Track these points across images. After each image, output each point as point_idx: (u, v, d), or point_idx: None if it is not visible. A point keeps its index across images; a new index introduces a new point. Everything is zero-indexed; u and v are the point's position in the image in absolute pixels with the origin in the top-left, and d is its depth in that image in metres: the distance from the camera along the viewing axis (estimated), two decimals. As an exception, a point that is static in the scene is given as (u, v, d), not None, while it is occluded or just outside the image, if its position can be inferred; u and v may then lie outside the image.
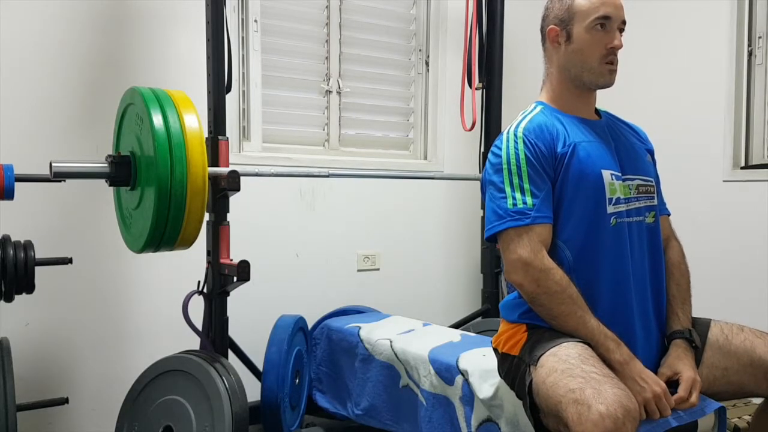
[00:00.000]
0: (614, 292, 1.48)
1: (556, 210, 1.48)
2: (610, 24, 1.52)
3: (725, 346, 1.52)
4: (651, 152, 1.68)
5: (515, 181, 1.47)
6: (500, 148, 1.51)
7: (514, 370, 1.51)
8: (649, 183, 1.58)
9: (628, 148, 1.59)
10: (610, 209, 1.48)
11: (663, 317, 1.57)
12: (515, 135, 1.50)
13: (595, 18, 1.51)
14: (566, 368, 1.30)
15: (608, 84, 1.55)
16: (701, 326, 1.57)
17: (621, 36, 1.54)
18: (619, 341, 1.41)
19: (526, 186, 1.46)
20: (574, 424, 1.22)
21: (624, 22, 1.56)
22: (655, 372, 1.48)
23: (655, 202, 1.59)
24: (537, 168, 1.47)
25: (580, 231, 1.47)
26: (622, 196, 1.50)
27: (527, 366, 1.44)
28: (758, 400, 1.63)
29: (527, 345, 1.48)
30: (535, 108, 1.58)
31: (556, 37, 1.57)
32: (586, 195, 1.47)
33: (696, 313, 1.67)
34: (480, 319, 2.86)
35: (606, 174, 1.49)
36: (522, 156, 1.48)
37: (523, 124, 1.52)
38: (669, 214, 1.71)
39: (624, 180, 1.52)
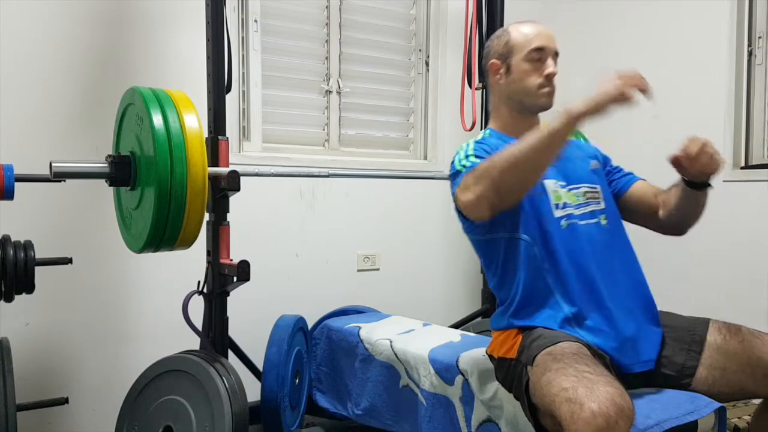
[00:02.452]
0: (581, 281, 1.57)
1: (514, 208, 1.59)
2: (544, 54, 1.67)
3: (723, 347, 1.54)
4: (597, 157, 1.80)
5: (465, 162, 1.62)
6: (454, 158, 1.67)
7: (512, 372, 1.52)
8: (595, 190, 1.69)
9: (571, 161, 1.70)
10: (558, 213, 1.62)
11: (644, 301, 1.64)
12: (467, 145, 1.67)
13: (530, 50, 1.66)
14: (560, 367, 1.32)
15: (548, 106, 1.70)
16: (700, 326, 1.59)
17: (556, 64, 1.69)
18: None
19: (474, 159, 1.61)
20: (567, 423, 1.22)
21: (557, 53, 1.70)
22: (657, 362, 1.55)
23: (603, 206, 1.68)
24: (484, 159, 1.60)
25: (536, 228, 1.59)
26: (570, 202, 1.63)
27: (524, 366, 1.45)
28: (759, 401, 1.63)
29: (523, 346, 1.50)
30: (485, 133, 1.76)
31: (497, 70, 1.72)
32: (532, 198, 1.60)
33: (696, 312, 1.68)
34: (480, 319, 2.86)
35: (549, 183, 1.63)
36: (471, 153, 1.64)
37: (474, 143, 1.68)
38: (642, 179, 1.82)
39: (570, 189, 1.65)
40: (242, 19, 2.67)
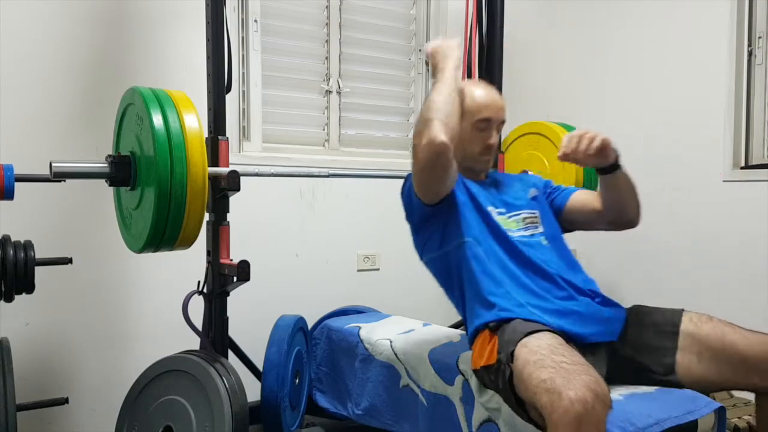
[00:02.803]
0: (526, 274, 1.72)
1: (457, 216, 1.75)
2: (489, 125, 1.81)
3: (695, 333, 1.61)
4: (537, 186, 1.95)
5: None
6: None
7: (496, 375, 1.56)
8: (534, 215, 1.85)
9: (509, 193, 1.89)
10: (511, 235, 1.77)
11: (587, 287, 1.76)
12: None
13: (477, 119, 1.79)
14: (537, 359, 1.39)
15: (485, 170, 1.89)
16: (674, 315, 1.67)
17: (498, 133, 1.86)
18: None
19: None
20: (548, 413, 1.28)
21: (503, 122, 1.85)
22: (635, 348, 1.65)
23: (541, 229, 1.83)
24: None
25: (478, 229, 1.75)
26: (509, 228, 1.78)
27: (505, 365, 1.50)
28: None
29: (501, 345, 1.55)
30: None
31: None
32: (477, 220, 1.76)
33: (695, 310, 1.70)
34: (480, 319, 2.85)
35: (491, 209, 1.79)
36: None
37: None
38: (581, 189, 1.98)
39: (510, 216, 1.81)
40: (242, 19, 2.67)
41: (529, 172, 2.43)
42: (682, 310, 1.68)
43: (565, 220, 1.91)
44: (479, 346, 1.67)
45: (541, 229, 1.83)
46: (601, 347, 1.66)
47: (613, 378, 1.61)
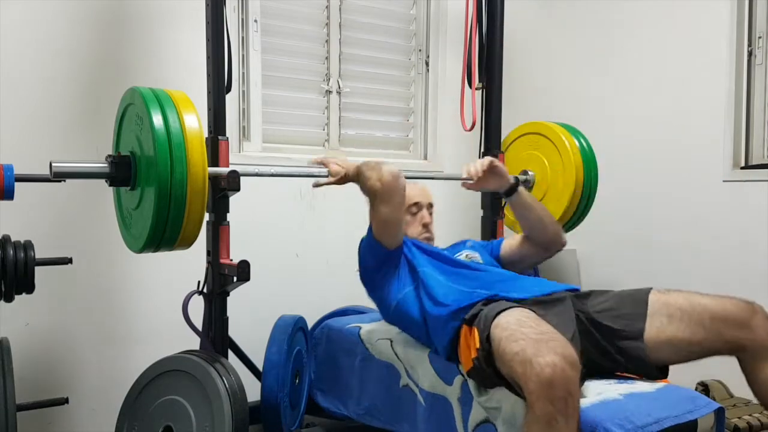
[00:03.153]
0: (480, 276, 1.96)
1: (410, 259, 2.02)
2: (420, 207, 2.20)
3: (664, 298, 1.71)
4: (473, 241, 2.30)
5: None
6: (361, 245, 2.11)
7: (483, 362, 1.61)
8: (475, 255, 2.17)
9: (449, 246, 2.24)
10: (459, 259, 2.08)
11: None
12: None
13: (410, 205, 2.16)
14: (509, 335, 1.49)
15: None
16: (641, 290, 1.77)
17: (430, 214, 2.23)
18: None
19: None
20: (523, 382, 1.39)
21: (431, 204, 2.25)
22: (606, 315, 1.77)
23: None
24: None
25: (428, 261, 2.01)
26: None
27: (487, 352, 1.58)
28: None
29: (480, 332, 1.62)
30: None
31: None
32: (427, 258, 2.03)
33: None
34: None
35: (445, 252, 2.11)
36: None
37: None
38: (503, 239, 2.31)
39: (455, 255, 2.11)
40: (242, 19, 2.67)
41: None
42: (651, 288, 1.77)
43: (504, 264, 2.19)
44: (463, 346, 1.71)
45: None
46: (566, 300, 1.79)
47: (583, 343, 1.70)
